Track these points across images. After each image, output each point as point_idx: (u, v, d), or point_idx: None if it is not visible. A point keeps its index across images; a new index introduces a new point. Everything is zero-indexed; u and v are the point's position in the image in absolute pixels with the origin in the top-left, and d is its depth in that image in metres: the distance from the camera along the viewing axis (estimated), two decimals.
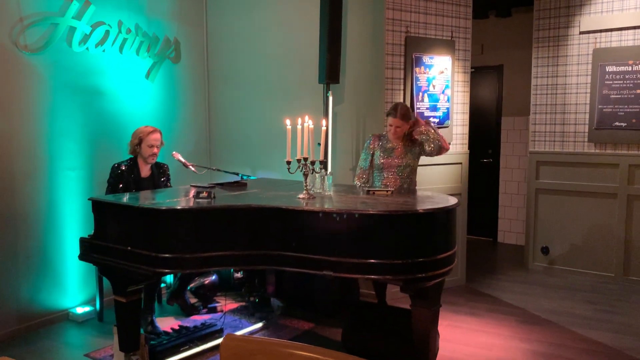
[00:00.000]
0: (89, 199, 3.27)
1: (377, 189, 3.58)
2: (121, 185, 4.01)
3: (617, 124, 5.25)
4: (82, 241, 3.28)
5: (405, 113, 3.93)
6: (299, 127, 3.22)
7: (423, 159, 4.62)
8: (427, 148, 3.98)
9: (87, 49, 4.35)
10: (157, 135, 4.07)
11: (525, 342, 3.91)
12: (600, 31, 5.31)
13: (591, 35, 5.37)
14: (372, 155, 4.05)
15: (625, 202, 5.28)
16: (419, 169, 4.48)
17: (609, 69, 5.26)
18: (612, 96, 5.25)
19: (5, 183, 3.91)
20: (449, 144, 4.15)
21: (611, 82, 5.25)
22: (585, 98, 5.43)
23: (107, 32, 4.48)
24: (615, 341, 3.92)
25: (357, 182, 4.09)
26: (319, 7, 4.64)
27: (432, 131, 3.99)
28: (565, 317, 4.38)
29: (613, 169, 5.32)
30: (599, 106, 5.32)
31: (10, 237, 3.95)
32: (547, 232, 5.74)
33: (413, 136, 4.00)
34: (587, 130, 5.43)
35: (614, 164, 5.31)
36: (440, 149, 4.00)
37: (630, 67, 5.16)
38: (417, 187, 4.20)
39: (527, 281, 5.42)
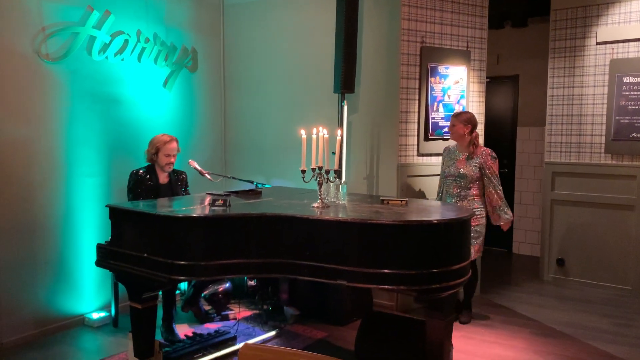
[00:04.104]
0: (106, 206, 3.32)
1: (391, 198, 3.59)
2: (140, 191, 4.06)
3: (634, 135, 5.19)
4: (99, 247, 3.33)
5: (466, 117, 4.28)
6: (314, 136, 3.24)
7: (436, 170, 4.64)
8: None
9: (106, 57, 4.42)
10: (174, 145, 4.12)
11: (540, 354, 3.87)
12: (617, 42, 5.28)
13: (608, 45, 5.33)
14: (443, 164, 4.45)
15: None
16: (436, 179, 4.51)
17: (626, 80, 5.22)
18: (630, 107, 5.21)
19: (24, 189, 3.97)
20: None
21: (628, 93, 5.21)
22: (602, 109, 5.39)
23: (126, 41, 4.55)
24: (633, 355, 3.86)
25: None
26: (334, 17, 4.67)
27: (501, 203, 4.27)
28: (581, 330, 4.33)
29: (630, 181, 5.26)
30: (616, 117, 5.28)
31: (28, 242, 4.01)
32: (563, 243, 5.69)
33: (476, 150, 4.27)
34: (603, 141, 5.39)
35: (632, 176, 5.25)
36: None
37: None
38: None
39: (542, 293, 5.37)
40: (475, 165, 4.21)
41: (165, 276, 2.96)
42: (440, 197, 4.50)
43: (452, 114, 4.44)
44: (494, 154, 4.28)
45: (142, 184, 4.08)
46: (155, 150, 4.09)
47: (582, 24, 5.47)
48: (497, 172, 4.25)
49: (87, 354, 3.85)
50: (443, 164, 4.44)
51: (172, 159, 4.12)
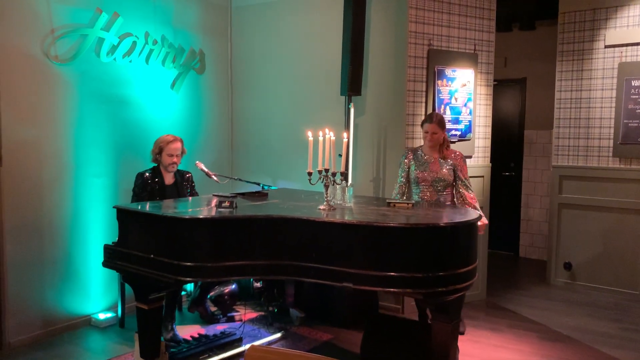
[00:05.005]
0: (113, 207, 3.33)
1: (397, 201, 3.58)
2: (146, 193, 4.07)
3: None
4: (106, 248, 3.34)
5: (441, 120, 4.01)
6: (321, 138, 3.24)
7: None
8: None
9: (114, 59, 4.45)
10: (177, 145, 4.12)
11: (547, 359, 3.85)
12: (626, 45, 5.25)
13: (617, 49, 5.31)
14: (408, 170, 4.11)
15: None
16: None
17: (635, 83, 5.19)
18: (638, 111, 5.18)
19: (32, 189, 4.00)
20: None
21: (637, 96, 5.19)
22: (610, 112, 5.37)
23: (134, 43, 4.58)
24: None
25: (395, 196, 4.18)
26: (342, 20, 4.68)
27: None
28: (588, 335, 4.30)
29: (638, 185, 5.23)
30: (625, 121, 5.25)
31: (36, 242, 4.03)
32: (570, 247, 5.66)
33: (447, 152, 4.05)
34: (611, 144, 5.36)
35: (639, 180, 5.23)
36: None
37: None
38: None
39: (549, 297, 5.34)
40: (450, 168, 4.02)
41: (172, 277, 2.97)
42: None
43: (424, 119, 4.11)
44: (464, 156, 4.15)
45: (148, 185, 4.09)
46: (158, 149, 4.10)
47: (590, 27, 5.45)
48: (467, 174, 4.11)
49: (94, 354, 3.86)
50: (408, 168, 4.10)
51: (175, 159, 4.12)
